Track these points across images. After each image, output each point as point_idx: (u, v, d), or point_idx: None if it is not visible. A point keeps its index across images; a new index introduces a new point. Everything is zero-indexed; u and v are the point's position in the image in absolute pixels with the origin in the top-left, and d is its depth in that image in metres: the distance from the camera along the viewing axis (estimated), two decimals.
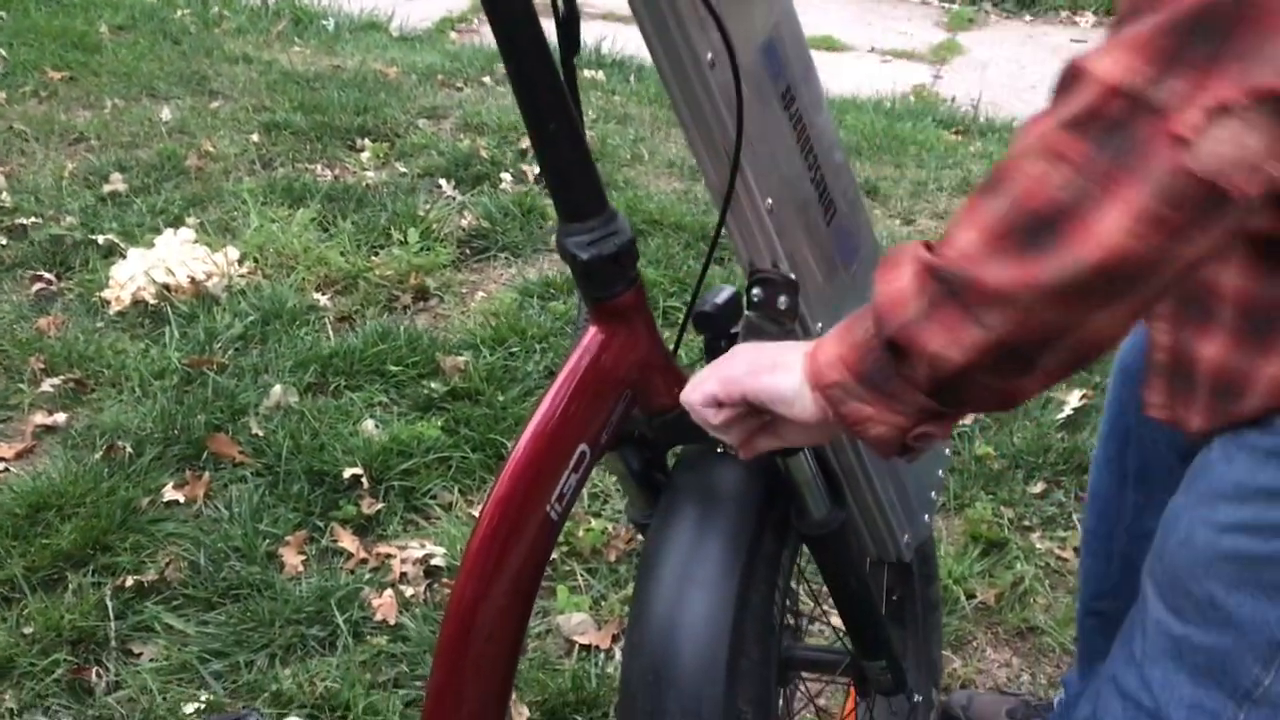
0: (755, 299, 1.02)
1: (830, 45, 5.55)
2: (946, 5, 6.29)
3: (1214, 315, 0.89)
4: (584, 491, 2.01)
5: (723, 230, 1.00)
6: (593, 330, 0.98)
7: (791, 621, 1.33)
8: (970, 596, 1.87)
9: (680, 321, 1.07)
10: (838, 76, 4.94)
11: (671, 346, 1.07)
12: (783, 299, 1.01)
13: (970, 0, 6.26)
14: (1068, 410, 2.27)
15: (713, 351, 1.03)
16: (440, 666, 0.98)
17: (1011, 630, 1.83)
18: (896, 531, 1.20)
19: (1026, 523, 2.04)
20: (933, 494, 1.26)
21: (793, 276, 1.01)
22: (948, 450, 1.29)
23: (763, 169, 0.98)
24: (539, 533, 0.98)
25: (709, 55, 0.91)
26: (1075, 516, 2.05)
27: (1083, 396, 2.30)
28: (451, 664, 0.99)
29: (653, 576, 1.03)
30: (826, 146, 1.05)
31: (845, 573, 1.15)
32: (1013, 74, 5.22)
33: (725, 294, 1.03)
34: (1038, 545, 1.99)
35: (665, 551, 1.04)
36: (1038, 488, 2.11)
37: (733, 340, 1.01)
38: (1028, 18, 6.15)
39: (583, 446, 0.98)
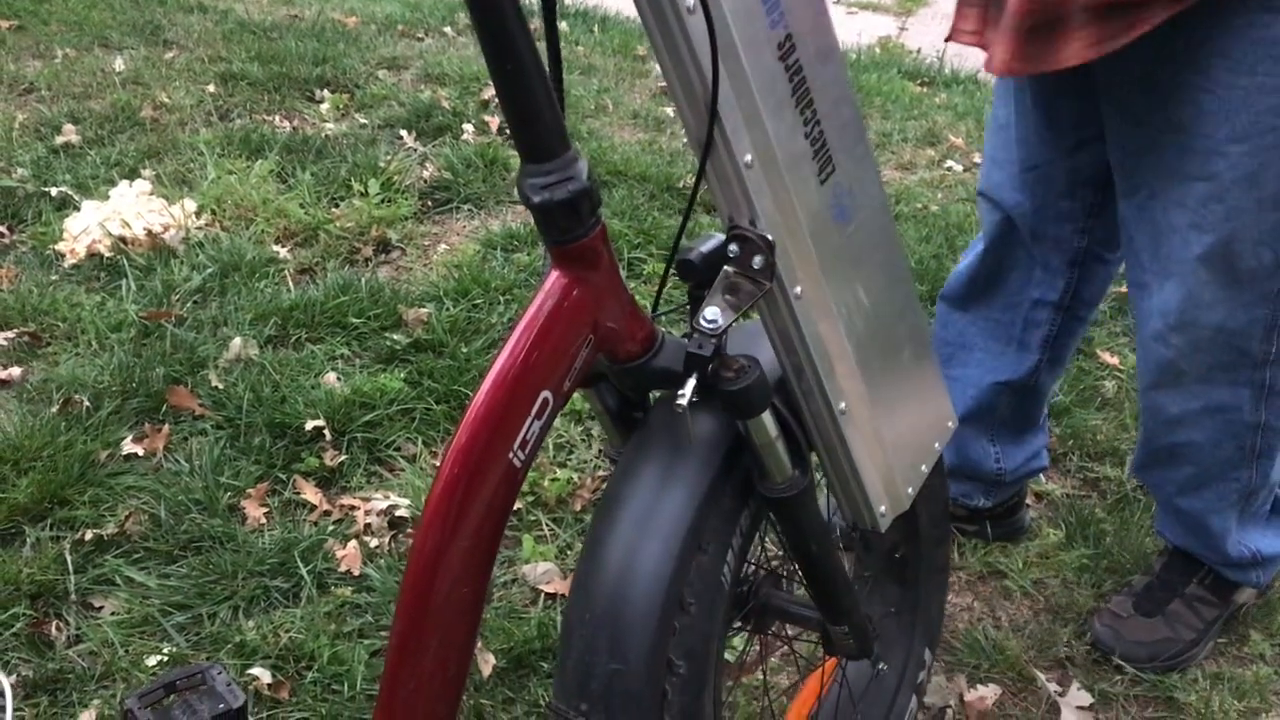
0: (731, 254, 0.99)
1: None
2: None
3: None
4: (549, 441, 2.02)
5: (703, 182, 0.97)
6: (554, 274, 0.97)
7: (778, 568, 1.32)
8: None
9: (660, 270, 1.05)
10: None
11: (654, 294, 1.06)
12: (758, 259, 0.98)
13: None
14: None
15: (696, 301, 1.00)
16: (403, 615, 0.97)
17: (974, 577, 1.85)
18: (873, 501, 1.17)
19: None
20: (923, 468, 1.22)
21: (770, 237, 0.98)
22: (950, 423, 1.26)
23: (745, 122, 0.94)
24: (502, 480, 0.97)
25: (689, 1, 0.88)
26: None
27: None
28: (415, 613, 0.98)
29: (608, 521, 1.03)
30: (832, 100, 1.00)
31: (806, 539, 1.13)
32: None
33: (712, 242, 1.00)
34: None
35: (625, 498, 1.04)
36: None
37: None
38: None
39: (545, 393, 0.97)
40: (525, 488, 1.91)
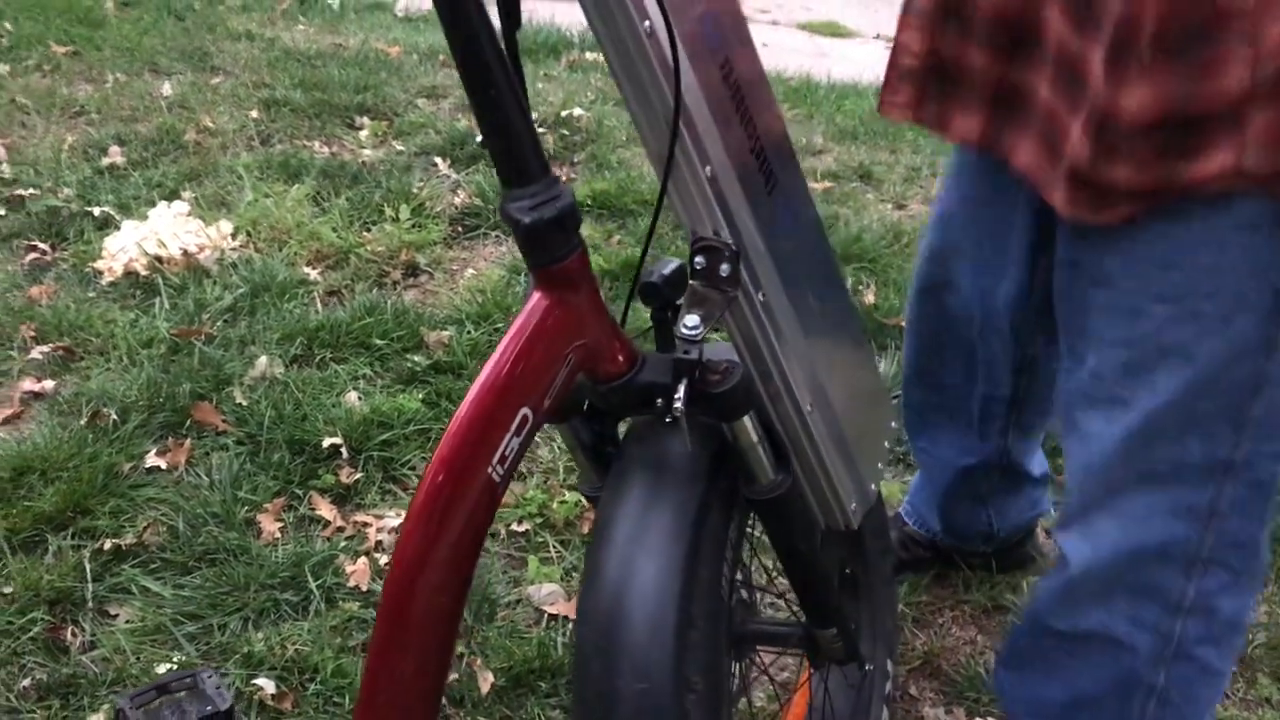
0: (698, 267, 1.03)
1: (835, 31, 5.56)
2: None
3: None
4: (558, 464, 2.04)
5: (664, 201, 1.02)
6: (537, 296, 1.00)
7: (746, 596, 1.35)
8: (938, 574, 1.88)
9: (628, 292, 1.08)
10: (841, 62, 4.94)
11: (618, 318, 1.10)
12: (724, 266, 1.03)
13: None
14: None
15: (659, 323, 1.05)
16: (383, 621, 1.00)
17: (978, 609, 1.84)
18: (844, 499, 1.21)
19: None
20: (879, 464, 1.27)
21: (733, 244, 1.02)
22: (893, 423, 1.30)
23: (702, 137, 0.99)
24: (481, 493, 0.99)
25: (646, 24, 0.93)
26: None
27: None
28: (394, 620, 1.01)
29: (603, 547, 1.05)
30: (765, 119, 1.06)
31: (793, 538, 1.17)
32: None
33: (671, 266, 1.05)
34: None
35: (615, 522, 1.06)
36: None
37: (677, 310, 1.03)
38: None
39: (525, 410, 1.00)
40: (533, 509, 1.93)
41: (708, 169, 1.01)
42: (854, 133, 3.73)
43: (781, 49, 5.11)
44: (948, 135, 1.26)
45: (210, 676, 1.10)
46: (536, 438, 2.06)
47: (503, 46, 0.89)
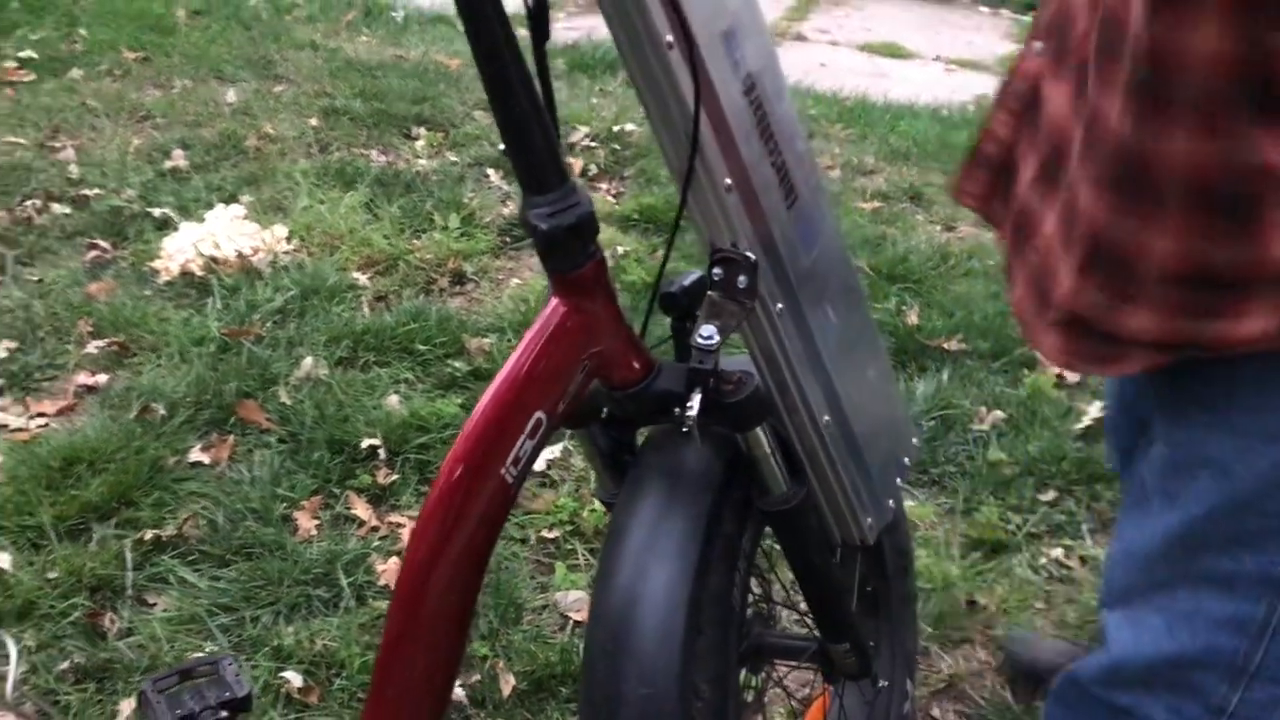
0: (715, 278, 1.05)
1: (894, 52, 5.54)
2: (1018, 17, 6.23)
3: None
4: (590, 473, 2.06)
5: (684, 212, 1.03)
6: (554, 302, 1.02)
7: (765, 609, 1.36)
8: (969, 600, 1.87)
9: (647, 302, 1.10)
10: (900, 83, 4.93)
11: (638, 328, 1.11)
12: (742, 278, 1.04)
13: None
14: (1087, 420, 2.26)
15: (678, 333, 1.07)
16: (394, 618, 1.02)
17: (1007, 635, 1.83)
18: (859, 513, 1.22)
19: (1034, 530, 2.03)
20: (898, 480, 1.27)
21: (752, 256, 1.03)
22: (914, 440, 1.30)
23: (722, 150, 1.01)
24: (493, 494, 1.01)
25: (668, 37, 0.94)
26: (1085, 526, 2.05)
27: (1104, 408, 2.28)
28: (406, 617, 1.03)
29: (615, 552, 1.07)
30: (788, 135, 1.07)
31: (807, 551, 1.17)
32: None
33: (691, 277, 1.07)
34: (1044, 553, 1.99)
35: (628, 528, 1.07)
36: (1049, 495, 2.10)
37: (694, 321, 1.04)
38: None
39: (539, 414, 1.02)
40: (564, 517, 1.95)
41: (726, 181, 1.02)
42: (906, 153, 3.72)
43: (839, 69, 5.11)
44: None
45: (230, 664, 1.13)
46: (569, 446, 2.09)
47: (516, 53, 0.91)
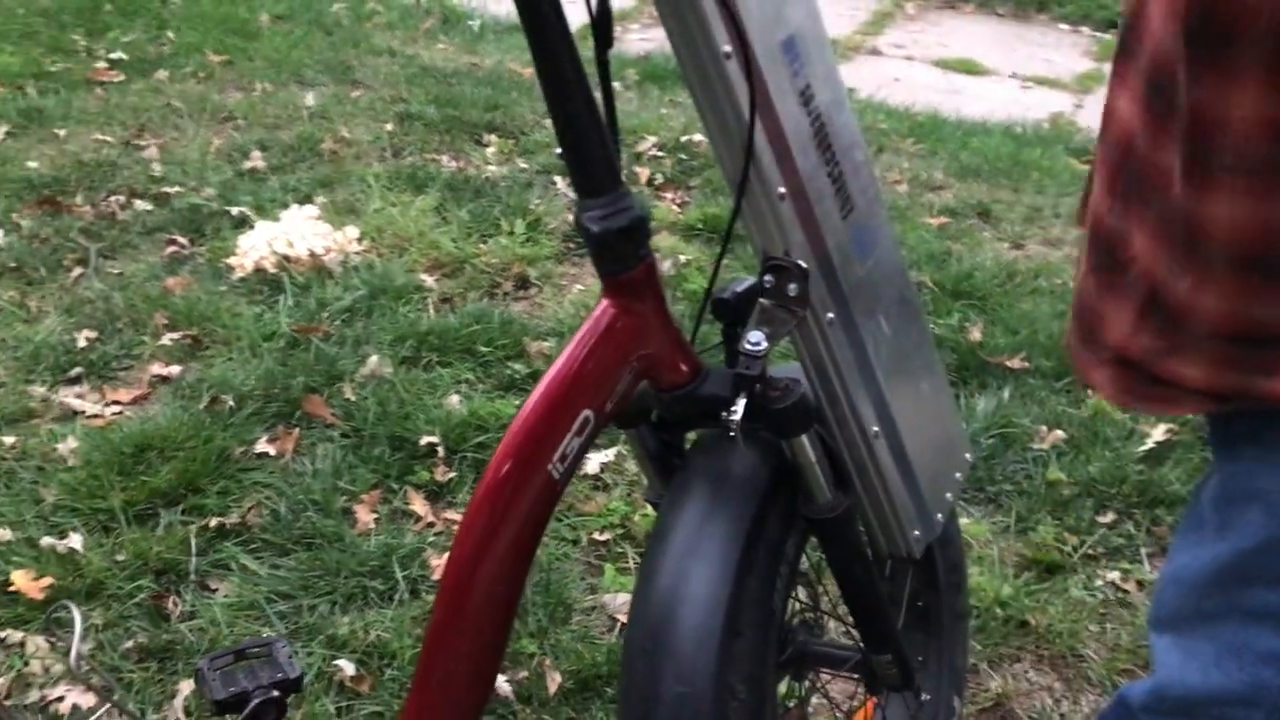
0: (767, 285, 1.06)
1: (970, 69, 5.49)
2: (1098, 35, 6.13)
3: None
4: (642, 477, 2.08)
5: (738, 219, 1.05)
6: (604, 304, 1.04)
7: (810, 617, 1.36)
8: (1021, 620, 1.85)
9: (699, 308, 1.12)
10: (974, 100, 4.89)
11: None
12: (793, 286, 1.05)
13: None
14: (1150, 443, 2.22)
15: (730, 339, 1.08)
16: (440, 608, 1.05)
17: (1058, 656, 1.81)
18: (906, 526, 1.22)
19: (1091, 551, 2.01)
20: (948, 495, 1.27)
21: (804, 265, 1.05)
22: (968, 455, 1.30)
23: (777, 159, 1.02)
24: (540, 490, 1.04)
25: (725, 47, 0.96)
26: (1143, 550, 2.02)
27: (1168, 431, 2.25)
28: (451, 607, 1.05)
29: (659, 551, 1.08)
30: (846, 145, 1.08)
31: (850, 560, 1.18)
32: None
33: (745, 284, 1.08)
34: (1100, 575, 1.96)
35: (673, 529, 1.09)
36: (1108, 518, 2.07)
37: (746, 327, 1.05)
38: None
39: (587, 412, 1.04)
40: (615, 520, 1.97)
41: (780, 190, 1.03)
42: (977, 170, 3.69)
43: (913, 84, 5.08)
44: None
45: (284, 646, 1.16)
46: (622, 450, 2.11)
47: (574, 60, 0.94)
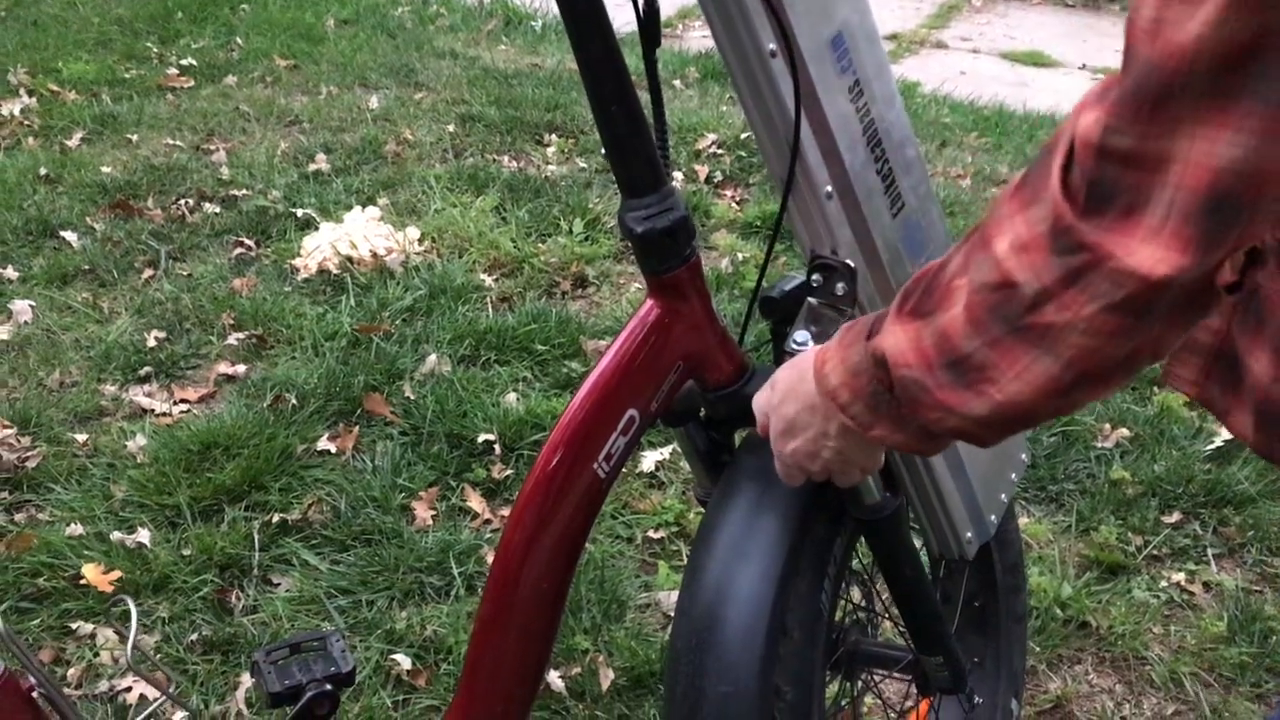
0: (814, 284, 1.06)
1: (1038, 61, 5.40)
2: None
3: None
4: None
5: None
6: (649, 303, 1.05)
7: (863, 617, 1.35)
8: (1082, 621, 1.82)
9: (747, 306, 1.11)
10: (1041, 92, 4.81)
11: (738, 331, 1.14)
12: (840, 285, 1.04)
13: None
14: (1218, 441, 2.17)
15: (778, 336, 1.08)
16: (489, 601, 1.06)
17: (1119, 658, 1.77)
18: (959, 528, 1.21)
19: (1155, 552, 1.97)
20: (1003, 496, 1.25)
21: (850, 263, 1.04)
22: (1024, 455, 1.28)
23: (824, 157, 1.01)
24: (587, 487, 1.04)
25: (770, 45, 0.96)
26: (1210, 551, 1.97)
27: None
28: (499, 600, 1.06)
29: (705, 549, 1.09)
30: (897, 141, 1.07)
31: (900, 561, 1.17)
32: None
33: (793, 282, 1.07)
34: (1164, 576, 1.92)
35: (720, 527, 1.09)
36: (1173, 518, 2.03)
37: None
38: None
39: (632, 411, 1.04)
40: (670, 518, 1.98)
41: (827, 189, 1.03)
42: None
43: (980, 77, 5.01)
44: (1227, 426, 1.03)
45: (339, 641, 1.19)
46: (677, 449, 2.11)
47: (618, 62, 0.94)
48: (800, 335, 1.03)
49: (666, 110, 1.07)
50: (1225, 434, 2.18)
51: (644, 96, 0.98)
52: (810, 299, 1.06)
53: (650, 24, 1.01)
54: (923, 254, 1.14)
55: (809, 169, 1.01)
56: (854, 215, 1.05)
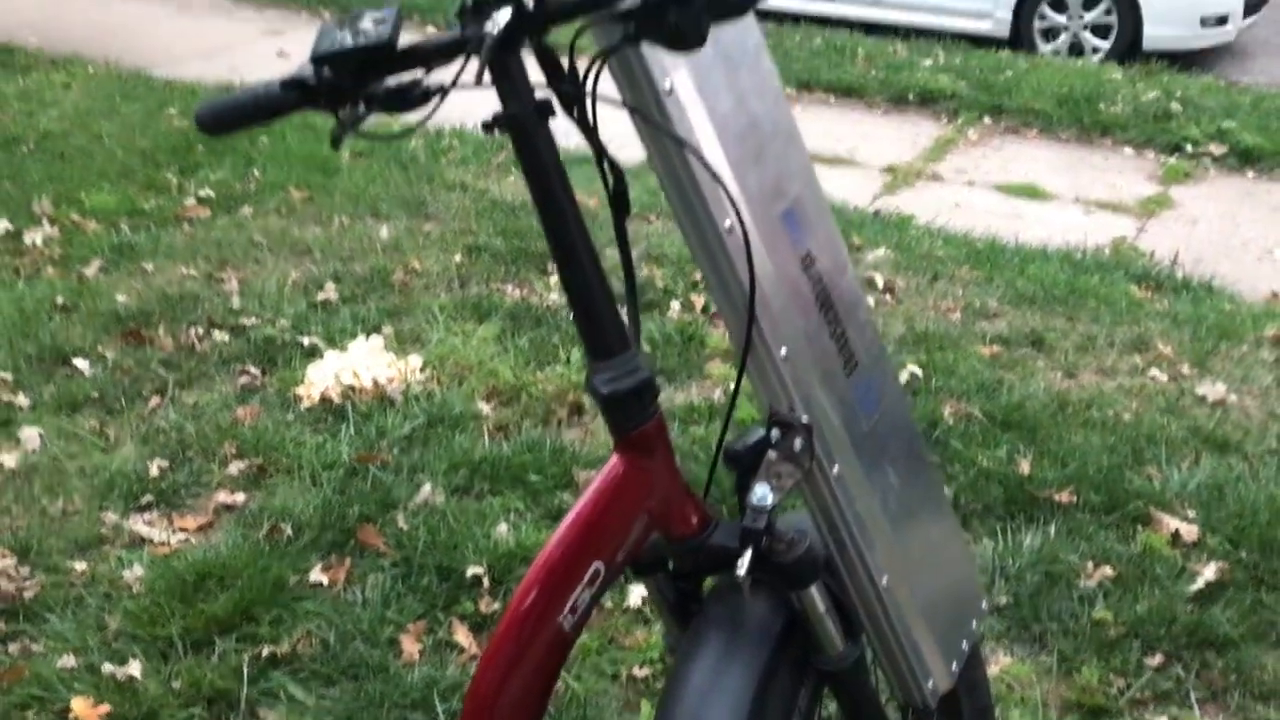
0: (773, 440, 1.11)
1: (1032, 193, 5.53)
2: (1163, 159, 6.15)
3: None
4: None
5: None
6: (615, 459, 1.10)
7: None
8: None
9: (712, 459, 1.16)
10: (1034, 225, 4.92)
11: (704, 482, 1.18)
12: (798, 441, 1.10)
13: (1189, 155, 6.11)
14: (1200, 583, 2.19)
15: (742, 489, 1.13)
16: None
17: None
18: (920, 676, 1.23)
19: (1138, 695, 1.97)
20: (964, 643, 1.28)
21: (807, 420, 1.09)
22: (983, 603, 1.31)
23: (778, 322, 1.08)
24: (552, 640, 1.08)
25: (727, 222, 1.04)
26: (1193, 695, 1.97)
27: (1219, 570, 2.22)
28: None
29: (674, 700, 1.12)
30: (849, 305, 1.14)
31: (862, 711, 1.19)
32: (1225, 231, 5.05)
33: (756, 435, 1.13)
34: None
35: (687, 678, 1.12)
36: (1155, 659, 2.04)
37: None
38: (1250, 174, 5.93)
39: (597, 564, 1.09)
40: (655, 655, 1.99)
41: (783, 351, 1.09)
42: (1032, 297, 3.71)
43: (975, 209, 5.14)
44: None
45: None
46: None
47: (581, 229, 1.02)
48: (760, 491, 1.08)
49: (636, 275, 1.14)
50: (1209, 574, 2.20)
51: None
52: (769, 453, 1.11)
53: (619, 195, 1.09)
54: (876, 410, 1.20)
55: (764, 336, 1.08)
56: (809, 376, 1.11)
